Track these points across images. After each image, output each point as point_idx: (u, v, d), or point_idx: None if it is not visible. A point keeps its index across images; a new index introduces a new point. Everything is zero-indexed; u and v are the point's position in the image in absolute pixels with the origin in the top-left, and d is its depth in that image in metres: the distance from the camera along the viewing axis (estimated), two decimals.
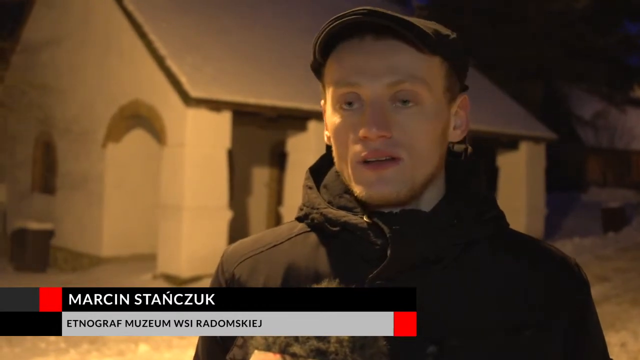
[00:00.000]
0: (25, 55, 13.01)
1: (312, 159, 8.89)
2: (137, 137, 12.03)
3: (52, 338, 7.13)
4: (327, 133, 0.98)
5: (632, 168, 27.71)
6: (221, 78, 10.33)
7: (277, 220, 13.08)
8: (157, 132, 10.68)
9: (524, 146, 14.63)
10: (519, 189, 14.56)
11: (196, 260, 9.67)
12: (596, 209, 17.64)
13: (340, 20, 0.90)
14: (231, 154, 10.93)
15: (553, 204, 16.71)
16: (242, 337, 0.95)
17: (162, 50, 10.24)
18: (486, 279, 0.94)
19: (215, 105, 10.01)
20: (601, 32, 23.00)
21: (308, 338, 0.76)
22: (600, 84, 24.96)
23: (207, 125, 10.03)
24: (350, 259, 0.94)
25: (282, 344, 0.76)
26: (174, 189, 10.02)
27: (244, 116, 10.66)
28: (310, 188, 1.01)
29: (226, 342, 0.99)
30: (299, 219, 1.02)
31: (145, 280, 10.23)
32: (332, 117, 0.95)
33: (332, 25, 0.90)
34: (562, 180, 22.75)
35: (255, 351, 0.78)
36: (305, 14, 13.49)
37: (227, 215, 10.24)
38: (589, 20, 22.45)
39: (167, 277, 9.97)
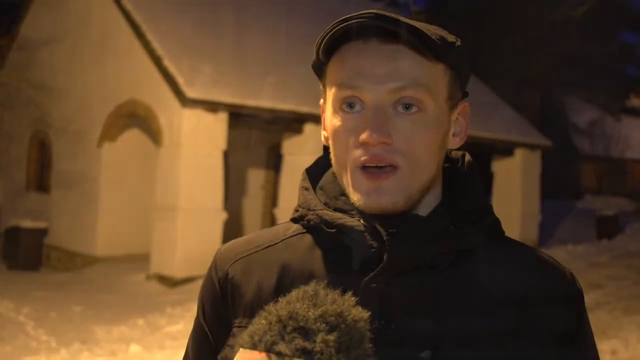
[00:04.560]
0: (22, 52, 12.96)
1: (308, 161, 8.78)
2: (133, 137, 12.01)
3: (44, 337, 7.10)
4: (324, 133, 0.98)
5: (626, 176, 27.76)
6: (218, 79, 10.32)
7: (271, 222, 13.06)
8: (153, 133, 10.66)
9: (519, 153, 14.65)
10: (513, 196, 14.58)
11: (190, 261, 9.64)
12: (590, 216, 17.68)
13: (347, 23, 0.89)
14: (227, 156, 10.91)
15: (547, 211, 16.72)
16: (234, 336, 0.95)
17: (160, 51, 10.23)
18: (482, 285, 0.93)
19: (211, 107, 10.00)
20: (599, 42, 23.09)
21: (294, 337, 0.75)
22: (597, 92, 25.05)
23: (204, 126, 10.02)
24: (346, 261, 0.93)
25: (267, 342, 0.76)
26: (169, 190, 9.99)
27: (241, 118, 10.65)
28: (306, 189, 1.01)
29: (217, 342, 0.98)
30: (294, 220, 1.01)
31: (138, 280, 10.20)
32: (332, 119, 0.94)
33: (338, 27, 0.89)
34: (557, 188, 22.76)
35: (241, 349, 0.78)
36: (304, 16, 13.49)
37: (222, 216, 10.23)
38: (586, 29, 22.53)
39: (161, 278, 9.95)
